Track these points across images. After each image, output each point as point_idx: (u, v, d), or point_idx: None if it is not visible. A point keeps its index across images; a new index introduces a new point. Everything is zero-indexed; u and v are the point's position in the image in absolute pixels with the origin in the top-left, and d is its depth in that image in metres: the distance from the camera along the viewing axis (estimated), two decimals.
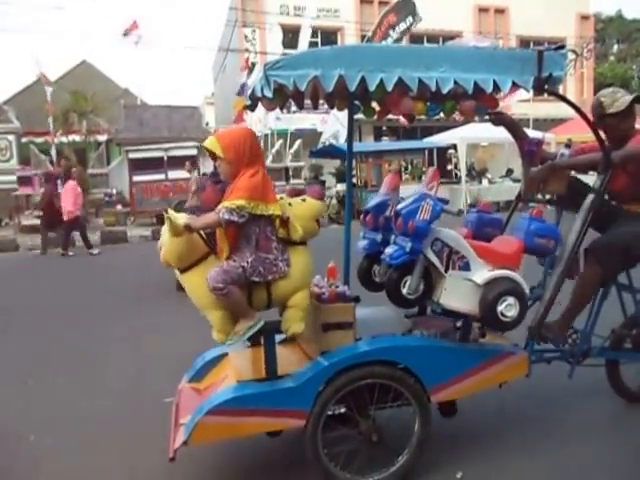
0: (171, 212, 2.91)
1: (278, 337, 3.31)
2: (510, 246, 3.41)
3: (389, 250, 3.31)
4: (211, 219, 3.00)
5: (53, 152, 21.93)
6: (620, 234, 3.70)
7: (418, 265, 3.25)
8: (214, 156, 3.11)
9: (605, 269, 3.70)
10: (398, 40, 17.80)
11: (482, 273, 3.27)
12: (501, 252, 3.37)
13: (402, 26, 17.85)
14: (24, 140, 23.16)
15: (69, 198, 13.39)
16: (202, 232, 3.11)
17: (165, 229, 3.00)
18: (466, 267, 3.29)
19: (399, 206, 3.35)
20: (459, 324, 3.59)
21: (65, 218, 13.37)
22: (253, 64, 23.53)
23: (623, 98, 3.68)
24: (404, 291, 3.30)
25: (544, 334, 3.72)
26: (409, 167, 22.31)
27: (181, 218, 2.96)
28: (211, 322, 3.09)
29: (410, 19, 17.70)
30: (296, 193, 3.40)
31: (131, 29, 24.01)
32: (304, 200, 3.24)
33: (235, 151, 3.02)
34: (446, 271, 3.28)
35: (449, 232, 3.32)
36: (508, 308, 3.22)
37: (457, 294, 3.30)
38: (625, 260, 3.75)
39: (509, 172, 21.04)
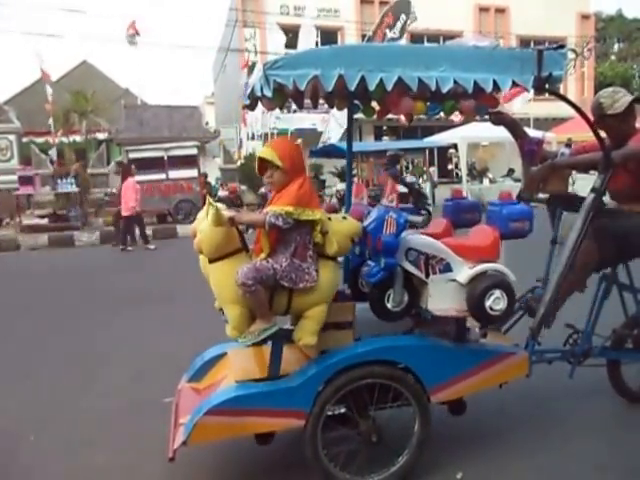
0: (213, 203, 2.93)
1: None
2: (486, 237, 3.36)
3: (365, 269, 3.26)
4: (257, 218, 3.04)
5: (53, 152, 21.94)
6: (622, 224, 3.70)
7: (397, 278, 3.21)
8: (264, 167, 3.12)
9: (601, 248, 3.67)
10: (396, 40, 17.78)
11: (464, 271, 3.24)
12: (478, 246, 3.32)
13: (398, 25, 17.86)
14: (25, 140, 23.19)
15: (130, 194, 13.82)
16: (241, 228, 3.13)
17: (204, 216, 3.02)
18: (447, 268, 3.25)
19: (365, 223, 3.33)
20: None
21: (126, 214, 13.74)
22: (254, 63, 23.54)
23: (623, 99, 3.67)
24: (389, 305, 3.27)
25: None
26: (410, 167, 22.32)
27: (224, 209, 2.99)
28: (228, 317, 3.07)
29: (404, 17, 17.71)
30: (333, 210, 3.42)
31: (129, 30, 23.96)
32: (345, 218, 3.26)
33: (291, 161, 3.05)
34: (427, 277, 3.25)
35: (421, 239, 3.28)
36: (496, 301, 3.19)
37: (443, 297, 3.26)
38: (622, 248, 3.73)
39: (510, 172, 21.06)
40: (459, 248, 3.29)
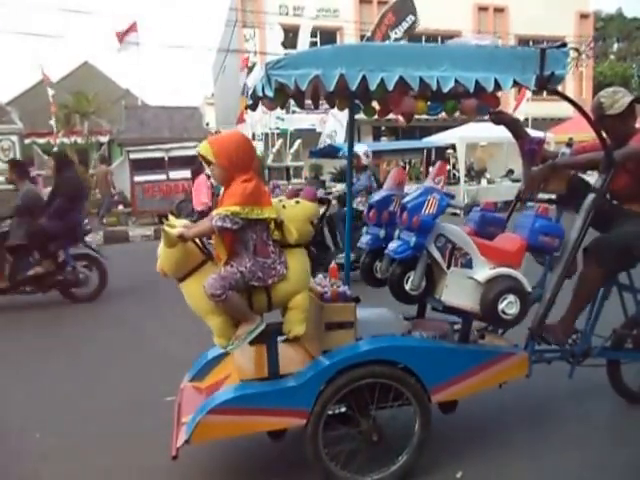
0: (168, 222, 2.93)
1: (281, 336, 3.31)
2: (513, 244, 3.40)
3: (393, 245, 3.31)
4: (204, 227, 3.01)
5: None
6: (620, 234, 3.69)
7: (421, 261, 3.25)
8: (208, 162, 3.08)
9: (605, 269, 3.70)
10: (400, 40, 17.68)
11: (484, 271, 3.27)
12: (503, 250, 3.36)
13: (404, 25, 17.69)
14: (27, 141, 23.18)
15: (202, 189, 13.78)
16: (198, 240, 3.11)
17: (162, 240, 3.01)
18: (468, 264, 3.29)
19: (405, 200, 3.34)
20: (457, 327, 3.59)
21: (199, 208, 13.69)
22: (254, 64, 23.53)
23: (623, 99, 3.67)
24: (407, 287, 3.30)
25: (546, 337, 3.72)
26: (407, 167, 22.29)
27: (176, 228, 2.96)
28: (212, 328, 3.09)
29: (412, 17, 17.56)
30: (295, 194, 3.39)
31: (129, 31, 23.85)
32: (297, 202, 3.21)
33: (227, 157, 2.97)
34: (448, 267, 3.28)
35: (453, 228, 3.31)
36: (509, 306, 3.22)
37: (458, 291, 3.30)
38: (625, 260, 3.75)
39: (509, 172, 21.00)
40: (485, 248, 3.32)
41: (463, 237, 3.30)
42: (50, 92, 21.37)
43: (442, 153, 22.39)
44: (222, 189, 3.08)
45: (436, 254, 3.25)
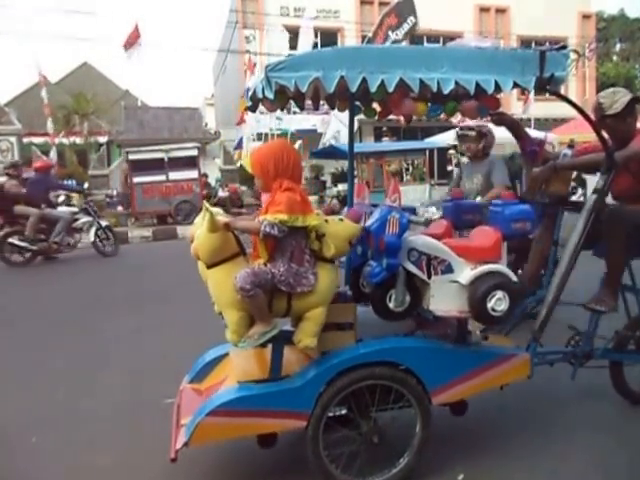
0: (209, 207, 2.93)
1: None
2: (488, 238, 3.33)
3: (367, 269, 3.25)
4: (252, 226, 3.01)
5: (53, 154, 21.95)
6: (634, 210, 3.68)
7: (399, 279, 3.20)
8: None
9: (626, 225, 3.65)
10: (400, 41, 17.66)
11: (465, 272, 3.22)
12: (480, 247, 3.30)
13: (405, 27, 17.69)
14: (25, 141, 23.22)
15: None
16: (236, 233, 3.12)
17: (200, 222, 3.02)
18: (448, 269, 3.23)
19: (367, 223, 3.32)
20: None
21: None
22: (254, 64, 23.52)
23: (622, 99, 3.67)
24: (391, 305, 3.27)
25: (597, 308, 3.71)
26: (410, 168, 22.27)
27: (220, 215, 2.99)
28: (227, 322, 3.07)
29: (412, 19, 17.56)
30: (332, 212, 3.39)
31: (133, 39, 23.82)
32: (341, 220, 3.23)
33: (260, 167, 3.06)
34: (429, 277, 3.23)
35: (423, 239, 3.27)
36: (498, 303, 3.17)
37: (445, 298, 3.25)
38: (634, 238, 3.69)
39: None
40: (461, 249, 3.28)
41: (434, 246, 3.24)
42: (44, 94, 21.33)
43: (444, 154, 22.39)
44: (220, 191, 3.11)
45: (413, 269, 3.21)
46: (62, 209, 12.10)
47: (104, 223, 12.66)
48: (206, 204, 2.98)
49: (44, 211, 11.49)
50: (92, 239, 12.33)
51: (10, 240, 11.33)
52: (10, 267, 11.45)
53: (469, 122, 5.60)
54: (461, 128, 5.99)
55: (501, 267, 3.26)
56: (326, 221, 3.14)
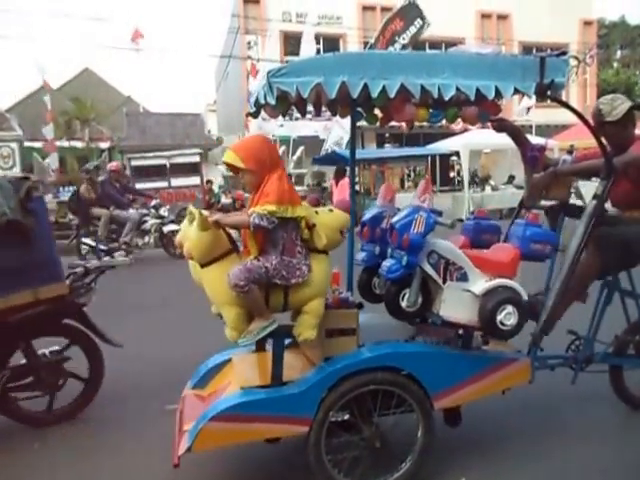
0: (195, 209, 2.97)
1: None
2: (507, 254, 3.42)
3: (386, 264, 3.31)
4: (241, 220, 3.05)
5: (53, 160, 21.97)
6: (621, 230, 3.72)
7: (416, 278, 3.24)
8: (236, 169, 3.12)
9: (603, 257, 3.71)
10: (407, 46, 17.55)
11: (480, 283, 3.28)
12: (497, 261, 3.38)
13: (412, 30, 17.58)
14: (26, 144, 23.23)
15: (345, 190, 14.04)
16: (227, 230, 3.14)
17: (186, 226, 3.06)
18: (464, 278, 3.29)
19: (393, 219, 3.36)
20: (461, 331, 3.58)
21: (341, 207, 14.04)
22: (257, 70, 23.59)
23: (621, 106, 3.68)
24: (403, 304, 3.29)
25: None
26: (412, 174, 22.30)
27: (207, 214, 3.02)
28: (225, 319, 3.09)
29: (419, 21, 17.48)
30: (317, 202, 3.43)
31: (136, 37, 23.98)
32: (331, 210, 3.27)
33: (255, 160, 3.03)
34: (444, 282, 3.28)
35: (445, 244, 3.32)
36: (507, 317, 3.23)
37: (456, 305, 3.29)
38: (624, 256, 3.75)
39: (511, 179, 20.99)
40: (478, 260, 3.33)
41: (454, 252, 3.30)
42: (47, 99, 21.38)
43: (446, 160, 22.41)
44: (222, 197, 3.12)
45: (430, 271, 3.25)
46: (132, 211, 12.55)
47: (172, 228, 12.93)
48: (191, 207, 3.02)
49: (113, 212, 12.05)
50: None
51: (83, 240, 11.97)
52: None
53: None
54: None
55: (514, 284, 3.31)
56: (316, 212, 3.17)
